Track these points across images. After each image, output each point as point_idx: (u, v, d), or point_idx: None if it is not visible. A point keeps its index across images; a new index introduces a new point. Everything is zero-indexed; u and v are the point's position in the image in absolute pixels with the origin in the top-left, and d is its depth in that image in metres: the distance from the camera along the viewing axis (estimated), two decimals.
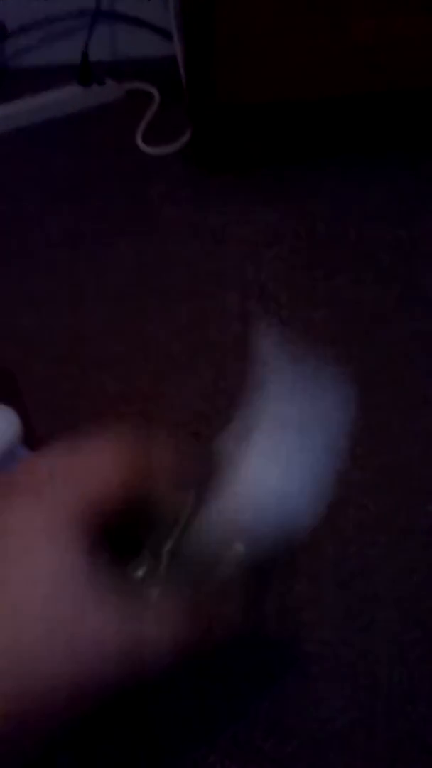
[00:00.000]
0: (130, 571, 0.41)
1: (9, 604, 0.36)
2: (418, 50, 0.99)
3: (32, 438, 0.61)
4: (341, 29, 0.96)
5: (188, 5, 0.96)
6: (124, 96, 1.26)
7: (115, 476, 0.41)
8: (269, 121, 1.06)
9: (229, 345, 0.88)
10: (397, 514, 0.71)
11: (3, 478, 0.41)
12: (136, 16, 1.30)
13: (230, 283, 0.96)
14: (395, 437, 0.78)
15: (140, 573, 0.41)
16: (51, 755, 0.50)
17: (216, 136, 1.07)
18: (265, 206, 1.06)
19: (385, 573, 0.67)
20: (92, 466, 0.41)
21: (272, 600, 0.65)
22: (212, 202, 1.08)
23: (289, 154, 1.10)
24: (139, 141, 1.17)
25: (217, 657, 0.63)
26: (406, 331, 0.88)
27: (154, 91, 1.25)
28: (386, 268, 0.96)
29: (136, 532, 0.42)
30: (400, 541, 0.69)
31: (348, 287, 0.94)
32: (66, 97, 1.22)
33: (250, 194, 1.08)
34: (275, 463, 0.41)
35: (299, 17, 0.95)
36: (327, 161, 1.11)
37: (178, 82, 1.18)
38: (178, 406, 0.82)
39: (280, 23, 0.96)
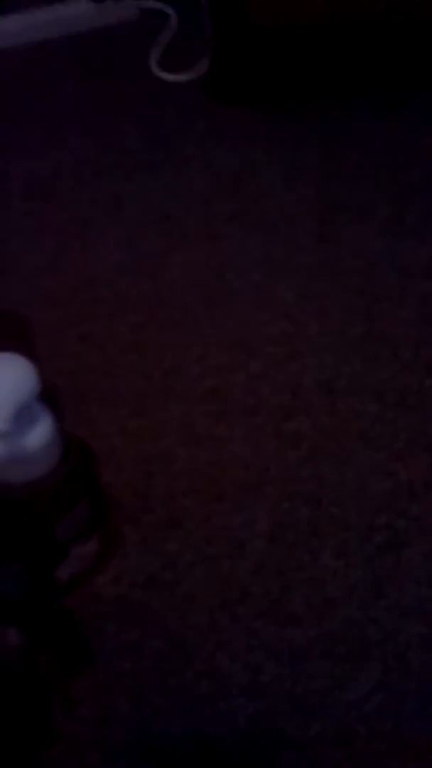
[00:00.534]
0: None
1: None
2: None
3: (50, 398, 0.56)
4: None
5: None
6: (139, 15, 1.16)
7: None
8: (299, 48, 0.97)
9: (248, 295, 0.82)
10: (430, 482, 0.67)
11: None
12: None
13: (251, 225, 0.89)
14: (427, 401, 0.73)
15: None
16: None
17: (239, 63, 0.99)
18: (289, 143, 0.99)
19: (417, 547, 0.63)
20: None
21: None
22: (231, 137, 1.00)
23: (317, 87, 1.02)
24: (153, 66, 1.08)
25: (239, 634, 0.59)
26: None
27: (171, 11, 1.15)
28: (420, 220, 0.89)
29: None
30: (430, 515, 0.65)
31: (375, 236, 0.88)
32: (76, 13, 1.13)
33: (273, 129, 1.01)
34: None
35: None
36: (354, 98, 1.02)
37: (198, 3, 1.08)
38: (192, 359, 0.77)
39: None
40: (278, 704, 0.56)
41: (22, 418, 0.53)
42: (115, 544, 0.64)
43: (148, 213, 0.91)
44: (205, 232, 0.89)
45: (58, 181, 0.94)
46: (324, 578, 0.62)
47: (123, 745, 0.54)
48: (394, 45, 0.97)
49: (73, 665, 0.57)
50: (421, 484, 0.67)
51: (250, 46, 0.96)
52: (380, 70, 1.00)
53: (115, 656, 0.58)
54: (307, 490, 0.67)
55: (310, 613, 0.60)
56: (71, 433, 0.59)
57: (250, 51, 0.96)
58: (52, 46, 1.11)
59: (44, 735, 0.54)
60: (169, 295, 0.83)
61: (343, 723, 0.55)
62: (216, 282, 0.84)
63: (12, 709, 0.53)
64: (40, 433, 0.54)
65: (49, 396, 0.58)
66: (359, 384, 0.74)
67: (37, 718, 0.55)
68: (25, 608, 0.55)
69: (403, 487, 0.67)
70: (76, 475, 0.58)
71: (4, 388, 0.53)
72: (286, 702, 0.56)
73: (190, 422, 0.72)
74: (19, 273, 0.84)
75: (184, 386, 0.75)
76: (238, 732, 0.55)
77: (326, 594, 0.61)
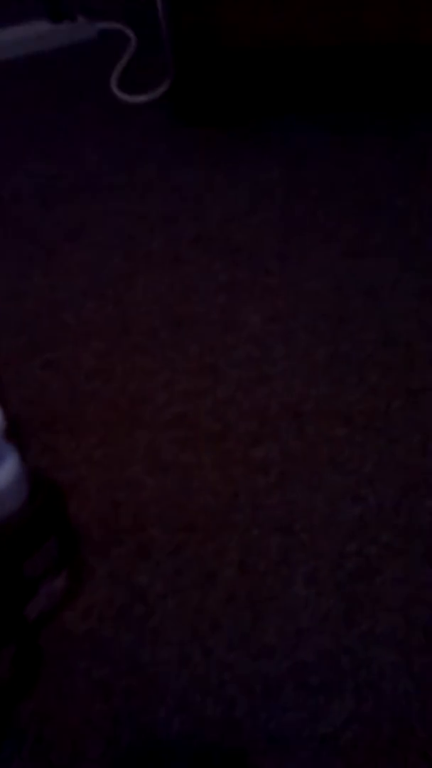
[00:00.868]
0: None
1: None
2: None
3: (14, 429, 0.55)
4: None
5: None
6: (97, 36, 1.16)
7: None
8: (259, 69, 0.98)
9: (214, 318, 0.82)
10: (400, 506, 0.67)
11: None
12: None
13: (215, 248, 0.89)
14: (394, 424, 0.73)
15: None
16: None
17: (202, 83, 0.99)
18: (251, 163, 0.99)
19: (388, 573, 0.63)
20: None
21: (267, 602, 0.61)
22: (193, 158, 1.00)
23: (278, 109, 1.02)
24: (114, 87, 1.08)
25: (211, 667, 0.58)
26: (402, 307, 0.83)
27: (130, 32, 1.15)
28: (384, 239, 0.89)
29: None
30: (402, 538, 0.65)
31: (340, 257, 0.88)
32: (34, 34, 1.12)
33: (235, 149, 1.01)
34: None
35: None
36: (314, 118, 1.03)
37: (157, 23, 1.08)
38: (158, 385, 0.76)
39: None
40: (253, 740, 0.55)
41: None
42: (83, 578, 0.63)
43: (111, 236, 0.90)
44: (169, 255, 0.88)
45: (18, 206, 0.93)
46: (296, 607, 0.61)
47: None
48: (354, 68, 0.98)
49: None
50: (391, 508, 0.67)
51: (214, 67, 0.96)
52: (341, 93, 1.01)
53: (87, 695, 0.57)
54: (276, 517, 0.66)
55: (283, 643, 0.59)
56: (38, 469, 0.58)
57: (213, 72, 0.97)
58: (8, 67, 1.10)
59: None
60: (134, 320, 0.82)
61: (319, 757, 0.55)
62: (181, 306, 0.83)
63: None
64: (5, 472, 0.53)
65: (13, 426, 0.57)
66: (327, 407, 0.74)
67: None
68: None
69: (372, 513, 0.67)
70: (43, 513, 0.57)
71: None
72: (261, 737, 0.55)
73: (157, 449, 0.72)
74: None
75: (151, 413, 0.74)
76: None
77: (299, 623, 0.60)
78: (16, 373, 0.76)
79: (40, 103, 1.06)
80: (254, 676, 0.58)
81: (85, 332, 0.81)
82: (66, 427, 0.73)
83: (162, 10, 1.04)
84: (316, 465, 0.70)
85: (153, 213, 0.92)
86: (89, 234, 0.90)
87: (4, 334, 0.79)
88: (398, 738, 0.55)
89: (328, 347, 0.79)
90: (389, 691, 0.57)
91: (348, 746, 0.55)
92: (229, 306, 0.83)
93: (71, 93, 1.08)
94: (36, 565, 0.57)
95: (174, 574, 0.63)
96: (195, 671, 0.58)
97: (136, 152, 1.00)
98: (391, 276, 0.85)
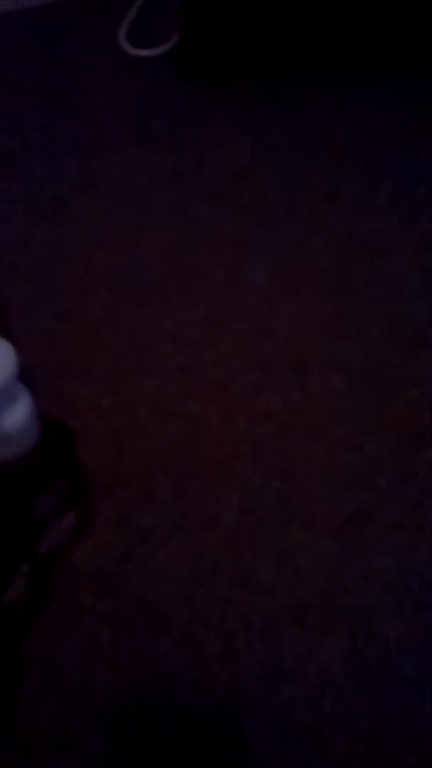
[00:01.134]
0: None
1: None
2: None
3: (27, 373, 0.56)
4: None
5: None
6: None
7: None
8: (265, 23, 0.97)
9: (220, 272, 0.83)
10: (396, 456, 0.70)
11: None
12: None
13: (222, 203, 0.90)
14: (394, 378, 0.75)
15: None
16: None
17: (208, 37, 0.99)
18: (258, 118, 0.99)
19: (382, 518, 0.66)
20: None
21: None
22: (201, 113, 1.00)
23: (288, 63, 1.02)
24: (122, 40, 1.07)
25: (212, 603, 0.61)
26: (406, 265, 0.84)
27: None
28: (388, 195, 0.90)
29: None
30: (398, 486, 0.68)
31: (346, 214, 0.89)
32: None
33: (243, 104, 1.01)
34: None
35: None
36: (323, 73, 1.03)
37: None
38: (164, 336, 0.78)
39: None
40: (251, 670, 0.58)
41: (1, 399, 0.54)
42: (91, 519, 0.65)
43: (119, 189, 0.91)
44: (176, 209, 0.89)
45: (27, 157, 0.94)
46: (294, 549, 0.64)
47: (103, 712, 0.56)
48: (362, 20, 0.97)
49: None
50: (387, 458, 0.69)
51: (222, 20, 0.96)
52: (349, 48, 1.00)
53: (94, 627, 0.60)
54: (277, 465, 0.69)
55: (281, 582, 0.62)
56: (49, 412, 0.60)
57: (222, 25, 0.96)
58: (21, 17, 1.10)
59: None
60: (141, 272, 0.84)
61: (314, 687, 0.58)
62: (187, 259, 0.85)
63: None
64: (19, 413, 0.55)
65: (24, 374, 0.59)
66: (328, 361, 0.76)
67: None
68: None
69: (369, 461, 0.69)
70: (54, 454, 0.59)
71: None
72: (259, 668, 0.59)
73: (162, 398, 0.74)
74: None
75: (157, 363, 0.76)
76: (213, 696, 0.57)
77: (296, 564, 0.63)
78: (25, 323, 0.78)
79: (49, 56, 1.06)
80: (253, 612, 0.61)
81: (93, 283, 0.82)
82: (74, 375, 0.75)
83: None
84: (316, 416, 0.72)
85: (161, 167, 0.93)
86: (97, 186, 0.91)
87: (14, 284, 0.81)
88: (388, 673, 0.58)
89: (331, 303, 0.81)
90: (381, 630, 0.60)
91: (341, 679, 0.58)
92: (235, 261, 0.84)
93: (80, 45, 1.07)
94: (47, 503, 0.60)
95: (177, 517, 0.66)
96: (196, 607, 0.61)
97: (145, 106, 1.00)
98: (395, 233, 0.86)
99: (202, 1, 0.96)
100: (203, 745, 0.55)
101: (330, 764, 0.55)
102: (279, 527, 0.65)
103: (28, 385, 0.59)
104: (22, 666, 0.58)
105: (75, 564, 0.63)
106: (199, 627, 0.60)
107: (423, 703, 0.57)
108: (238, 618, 0.61)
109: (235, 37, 0.98)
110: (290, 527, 0.65)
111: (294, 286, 0.82)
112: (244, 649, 0.59)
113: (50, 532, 0.61)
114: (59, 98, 1.00)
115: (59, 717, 0.56)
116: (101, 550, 0.64)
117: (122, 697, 0.57)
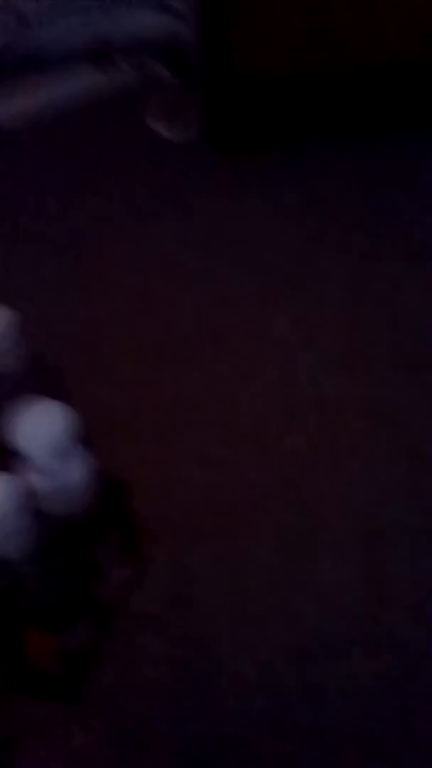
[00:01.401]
0: None
1: None
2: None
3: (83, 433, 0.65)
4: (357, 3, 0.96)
5: None
6: (138, 79, 1.26)
7: None
8: (284, 96, 1.07)
9: (246, 326, 0.92)
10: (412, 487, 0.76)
11: None
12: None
13: (246, 265, 0.99)
14: (408, 413, 0.82)
15: None
16: None
17: (228, 112, 1.08)
18: (278, 184, 1.07)
19: (403, 546, 0.72)
20: None
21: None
22: (225, 184, 1.09)
23: (303, 131, 1.11)
24: (151, 123, 1.18)
25: (253, 636, 0.68)
26: (415, 306, 0.91)
27: (166, 72, 1.25)
28: (393, 245, 0.98)
29: None
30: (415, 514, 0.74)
31: (357, 264, 0.96)
32: (81, 84, 1.23)
33: (264, 172, 1.09)
34: None
35: None
36: (337, 140, 1.11)
37: (189, 67, 1.18)
38: (201, 390, 0.87)
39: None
40: (291, 695, 0.65)
41: (62, 456, 0.62)
42: (146, 566, 0.74)
43: (153, 259, 1.01)
44: (205, 273, 0.98)
45: (74, 238, 1.05)
46: (324, 579, 0.71)
47: (159, 741, 0.64)
48: (365, 90, 1.06)
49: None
50: (403, 490, 0.76)
51: (233, 96, 1.05)
52: (355, 113, 1.09)
53: (151, 667, 0.68)
54: (304, 501, 0.76)
55: (314, 610, 0.70)
56: (105, 467, 0.69)
57: (233, 101, 1.06)
58: (62, 112, 1.22)
59: None
60: (179, 334, 0.93)
61: (350, 709, 0.64)
62: (219, 319, 0.93)
63: None
64: (78, 468, 0.63)
65: (81, 434, 0.68)
66: (347, 401, 0.83)
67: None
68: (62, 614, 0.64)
69: (387, 493, 0.76)
70: (110, 506, 0.67)
71: (48, 431, 0.62)
72: (299, 692, 0.66)
73: (202, 448, 0.82)
74: (48, 324, 0.94)
75: (196, 416, 0.85)
76: (257, 721, 0.65)
77: (326, 592, 0.70)
78: (78, 389, 0.88)
79: (87, 144, 1.17)
80: (290, 641, 0.68)
81: (137, 347, 0.92)
82: (124, 433, 0.84)
83: (193, 53, 1.14)
84: (338, 452, 0.80)
85: (190, 235, 1.03)
86: (135, 258, 1.01)
87: (67, 354, 0.91)
88: (421, 691, 0.65)
89: (347, 347, 0.88)
90: (409, 649, 0.67)
91: (375, 699, 0.65)
92: (259, 315, 0.93)
93: (114, 132, 1.18)
94: (106, 552, 0.69)
95: (222, 558, 0.74)
96: (239, 640, 0.69)
97: (174, 182, 1.10)
98: (402, 278, 0.93)
99: (219, 84, 1.05)
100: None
101: None
102: (309, 559, 0.73)
103: (85, 443, 0.68)
104: (87, 704, 0.66)
105: (132, 608, 0.72)
106: (244, 659, 0.68)
107: None
108: (277, 647, 0.68)
109: (252, 113, 1.08)
110: (319, 558, 0.73)
111: (312, 334, 0.90)
112: (284, 676, 0.67)
113: (109, 579, 0.70)
114: (98, 183, 1.11)
115: (118, 747, 0.64)
116: (155, 594, 0.72)
117: (176, 729, 0.65)
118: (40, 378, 0.83)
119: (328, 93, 1.07)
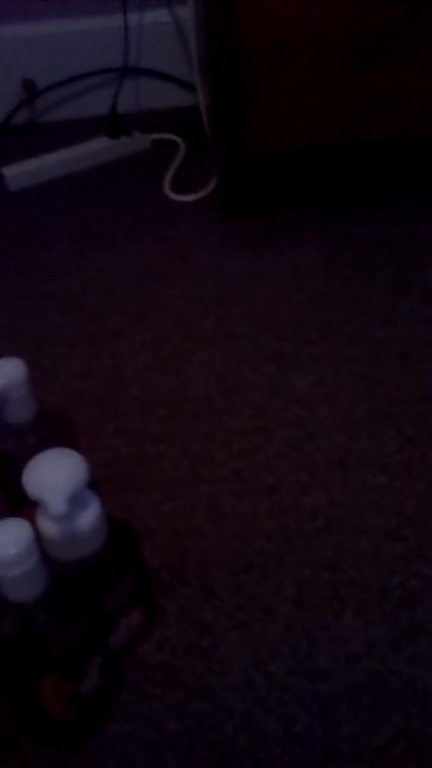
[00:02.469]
0: None
1: None
2: None
3: (94, 484, 0.64)
4: (366, 80, 1.01)
5: (216, 59, 1.01)
6: (151, 146, 1.31)
7: None
8: (295, 167, 1.11)
9: (264, 385, 0.92)
10: None
11: None
12: (161, 71, 1.35)
13: (262, 324, 0.99)
14: (429, 471, 0.81)
15: None
16: None
17: (241, 182, 1.12)
18: (291, 248, 1.10)
19: (430, 603, 0.70)
20: None
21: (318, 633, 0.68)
22: (240, 247, 1.12)
23: (314, 198, 1.15)
24: (166, 189, 1.22)
25: (272, 690, 0.65)
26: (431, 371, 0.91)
27: (179, 140, 1.30)
28: (415, 308, 0.99)
29: None
30: None
31: (375, 326, 0.98)
32: (96, 149, 1.28)
33: (277, 238, 1.13)
34: None
35: (323, 70, 1.00)
36: (352, 203, 1.15)
37: (202, 132, 1.23)
38: (216, 445, 0.86)
39: (304, 76, 1.01)
40: (311, 751, 0.62)
41: (74, 502, 0.61)
42: (156, 615, 0.71)
43: (170, 319, 1.02)
44: (221, 332, 0.99)
45: (88, 296, 1.06)
46: (347, 636, 0.68)
47: None
48: (376, 160, 1.10)
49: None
50: (429, 546, 0.74)
51: (245, 168, 1.09)
52: (370, 181, 1.13)
53: (163, 717, 0.65)
54: (326, 557, 0.74)
55: (336, 667, 0.66)
56: (115, 515, 0.67)
57: (246, 173, 1.10)
58: (78, 178, 1.26)
59: None
60: (192, 390, 0.92)
61: (372, 767, 0.61)
62: (233, 375, 0.93)
63: None
64: (89, 515, 0.62)
65: (92, 485, 0.67)
66: (368, 458, 0.82)
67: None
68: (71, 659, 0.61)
69: (413, 550, 0.74)
70: (121, 553, 0.66)
71: (59, 477, 0.61)
72: (318, 751, 0.62)
73: (217, 502, 0.80)
74: (59, 378, 0.95)
75: (210, 470, 0.83)
76: None
77: (350, 649, 0.67)
78: (91, 441, 0.87)
79: (103, 207, 1.21)
80: (311, 697, 0.65)
81: (150, 402, 0.91)
82: (136, 485, 0.83)
83: (206, 121, 1.19)
84: (360, 510, 0.78)
85: (206, 297, 1.04)
86: (150, 318, 1.02)
87: (80, 408, 0.91)
88: None
89: (367, 405, 0.88)
90: None
91: (398, 758, 0.61)
92: (276, 374, 0.93)
93: (130, 197, 1.22)
94: (116, 600, 0.66)
95: (236, 610, 0.71)
96: (258, 694, 0.65)
97: (190, 244, 1.12)
98: (421, 340, 0.94)
99: (230, 155, 1.09)
100: None
101: None
102: (332, 615, 0.70)
103: (96, 492, 0.66)
104: (97, 754, 0.62)
105: (143, 657, 0.68)
106: (261, 713, 0.64)
107: None
108: (296, 703, 0.65)
109: (264, 179, 1.12)
110: (342, 615, 0.70)
111: (331, 392, 0.89)
112: (304, 732, 0.63)
113: (119, 627, 0.67)
114: (115, 243, 1.14)
115: None
116: (166, 644, 0.69)
117: None
118: (50, 428, 0.83)
119: (342, 163, 1.11)
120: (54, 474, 0.63)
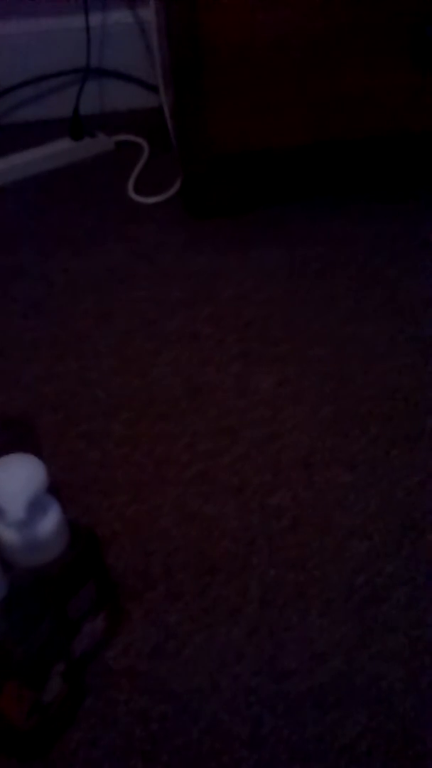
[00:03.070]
0: None
1: None
2: (398, 99, 1.04)
3: (56, 489, 0.63)
4: (327, 80, 1.01)
5: (178, 59, 1.01)
6: (115, 148, 1.30)
7: None
8: (258, 167, 1.11)
9: (229, 385, 0.91)
10: (402, 541, 0.74)
11: None
12: (124, 72, 1.35)
13: (227, 324, 0.99)
14: (395, 468, 0.81)
15: None
16: None
17: (205, 183, 1.12)
18: (256, 249, 1.10)
19: (394, 600, 0.70)
20: None
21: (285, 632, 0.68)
22: (205, 247, 1.12)
23: (278, 197, 1.15)
24: (130, 191, 1.21)
25: (238, 692, 0.65)
26: (398, 365, 0.92)
27: (143, 142, 1.29)
28: (378, 305, 0.99)
29: None
30: (405, 569, 0.72)
31: (340, 325, 0.98)
32: (58, 151, 1.26)
33: (241, 238, 1.12)
34: None
35: (282, 71, 1.00)
36: (316, 202, 1.15)
37: (166, 133, 1.22)
38: (181, 447, 0.85)
39: (263, 77, 1.01)
40: (278, 753, 0.61)
41: (34, 508, 0.60)
42: (121, 619, 0.70)
43: (135, 320, 1.01)
44: (186, 333, 0.98)
45: (52, 298, 1.05)
46: (312, 636, 0.68)
47: None
48: (327, 159, 1.11)
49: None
50: (394, 544, 0.74)
51: (209, 169, 1.09)
52: (332, 180, 1.13)
53: (128, 722, 0.64)
54: (291, 557, 0.74)
55: (301, 667, 0.66)
56: (76, 520, 0.66)
57: (209, 173, 1.09)
58: (41, 180, 1.25)
59: None
60: (158, 391, 0.92)
61: (338, 766, 0.60)
62: (199, 376, 0.93)
63: None
64: (50, 521, 0.61)
65: (54, 490, 0.66)
66: (333, 458, 0.82)
67: None
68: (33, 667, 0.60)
69: (377, 548, 0.74)
70: (83, 558, 0.65)
71: (18, 482, 0.60)
72: (285, 750, 0.62)
73: (182, 504, 0.80)
74: (21, 382, 0.93)
75: (175, 472, 0.83)
76: None
77: (314, 649, 0.67)
78: (55, 445, 0.86)
79: (67, 209, 1.20)
80: (276, 698, 0.65)
81: (115, 405, 0.90)
82: (101, 489, 0.82)
83: (169, 123, 1.18)
84: (324, 509, 0.78)
85: (171, 297, 1.03)
86: (115, 319, 1.01)
87: (44, 411, 0.90)
88: (408, 747, 0.61)
89: (332, 405, 0.88)
90: (399, 705, 0.63)
91: (363, 756, 0.61)
92: (241, 374, 0.92)
93: (94, 198, 1.21)
94: (78, 606, 0.65)
95: (201, 613, 0.71)
96: (223, 696, 0.65)
97: (154, 245, 1.12)
98: (386, 338, 0.94)
99: (194, 155, 1.09)
100: None
101: None
102: (297, 615, 0.70)
103: (57, 497, 0.66)
104: (61, 762, 0.62)
105: (107, 663, 0.68)
106: (226, 715, 0.64)
107: None
108: (262, 704, 0.64)
109: (228, 179, 1.11)
110: (308, 615, 0.70)
111: (296, 392, 0.89)
112: (270, 733, 0.63)
113: (82, 633, 0.66)
114: (79, 245, 1.13)
115: None
116: (131, 649, 0.69)
117: None
118: (9, 434, 0.82)
119: (304, 163, 1.11)
120: (13, 480, 0.62)
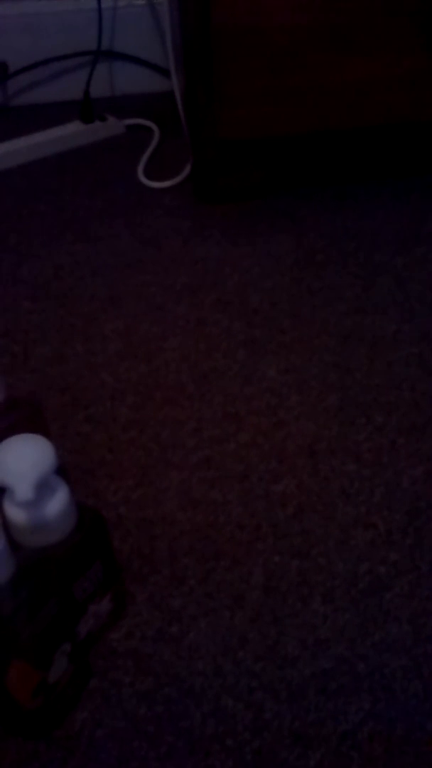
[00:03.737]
0: None
1: None
2: (408, 87, 1.03)
3: (64, 471, 0.64)
4: (336, 67, 1.01)
5: (189, 44, 1.00)
6: (125, 131, 1.30)
7: None
8: (268, 153, 1.11)
9: (235, 371, 0.92)
10: (406, 530, 0.74)
11: None
12: (135, 55, 1.34)
13: (234, 311, 0.99)
14: (400, 457, 0.81)
15: None
16: None
17: (215, 168, 1.11)
18: (264, 236, 1.10)
19: (397, 589, 0.70)
20: None
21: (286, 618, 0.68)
22: (213, 233, 1.11)
23: (286, 185, 1.15)
24: (140, 174, 1.21)
25: (241, 676, 0.65)
26: (403, 355, 0.92)
27: (154, 126, 1.29)
28: (385, 294, 0.99)
29: None
30: (409, 558, 0.72)
31: (346, 314, 0.98)
32: (69, 134, 1.26)
33: (249, 225, 1.12)
34: None
35: (294, 57, 1.00)
36: (324, 191, 1.15)
37: (177, 118, 1.22)
38: (187, 432, 0.86)
39: (276, 62, 1.00)
40: (280, 738, 0.62)
41: (42, 489, 0.61)
42: (126, 602, 0.71)
43: (142, 305, 1.01)
44: (193, 319, 0.99)
45: (60, 281, 1.05)
46: (315, 622, 0.69)
47: None
48: (337, 147, 1.10)
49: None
50: (398, 532, 0.74)
51: (219, 154, 1.08)
52: (342, 168, 1.12)
53: (132, 704, 0.65)
54: (295, 545, 0.74)
55: (304, 654, 0.67)
56: (84, 502, 0.67)
57: (220, 159, 1.09)
58: (51, 163, 1.24)
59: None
60: (164, 377, 0.92)
61: (340, 751, 0.61)
62: (205, 362, 0.93)
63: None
64: (57, 502, 0.61)
65: (61, 471, 0.66)
66: (338, 446, 0.82)
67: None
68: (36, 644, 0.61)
69: (382, 536, 0.74)
70: (89, 539, 0.65)
71: (26, 463, 0.60)
72: (287, 735, 0.62)
73: (187, 489, 0.80)
74: (29, 364, 0.94)
75: (181, 457, 0.83)
76: (245, 765, 0.61)
77: (318, 636, 0.68)
78: (61, 428, 0.86)
79: (76, 192, 1.19)
80: (279, 683, 0.65)
81: (121, 389, 0.91)
82: (106, 472, 0.82)
83: (181, 107, 1.18)
84: (329, 497, 0.78)
85: (178, 283, 1.03)
86: (122, 304, 1.01)
87: (51, 394, 0.90)
88: (410, 733, 0.62)
89: (337, 393, 0.88)
90: (401, 692, 0.64)
91: (365, 741, 0.61)
92: (247, 361, 0.92)
93: (103, 182, 1.21)
94: (84, 587, 0.66)
95: (205, 597, 0.71)
96: (226, 681, 0.66)
97: (163, 230, 1.11)
98: (392, 327, 0.94)
99: (204, 141, 1.08)
100: None
101: None
102: (301, 602, 0.70)
103: (64, 478, 0.66)
104: (65, 742, 0.62)
105: (112, 645, 0.68)
106: (229, 699, 0.64)
107: None
108: (265, 689, 0.65)
109: (238, 165, 1.11)
110: (311, 602, 0.70)
111: (302, 380, 0.89)
112: (273, 718, 0.63)
113: (88, 615, 0.67)
114: (87, 228, 1.13)
115: None
116: (136, 632, 0.69)
117: None
118: (19, 414, 0.82)
119: (314, 150, 1.11)
120: (21, 460, 0.62)
